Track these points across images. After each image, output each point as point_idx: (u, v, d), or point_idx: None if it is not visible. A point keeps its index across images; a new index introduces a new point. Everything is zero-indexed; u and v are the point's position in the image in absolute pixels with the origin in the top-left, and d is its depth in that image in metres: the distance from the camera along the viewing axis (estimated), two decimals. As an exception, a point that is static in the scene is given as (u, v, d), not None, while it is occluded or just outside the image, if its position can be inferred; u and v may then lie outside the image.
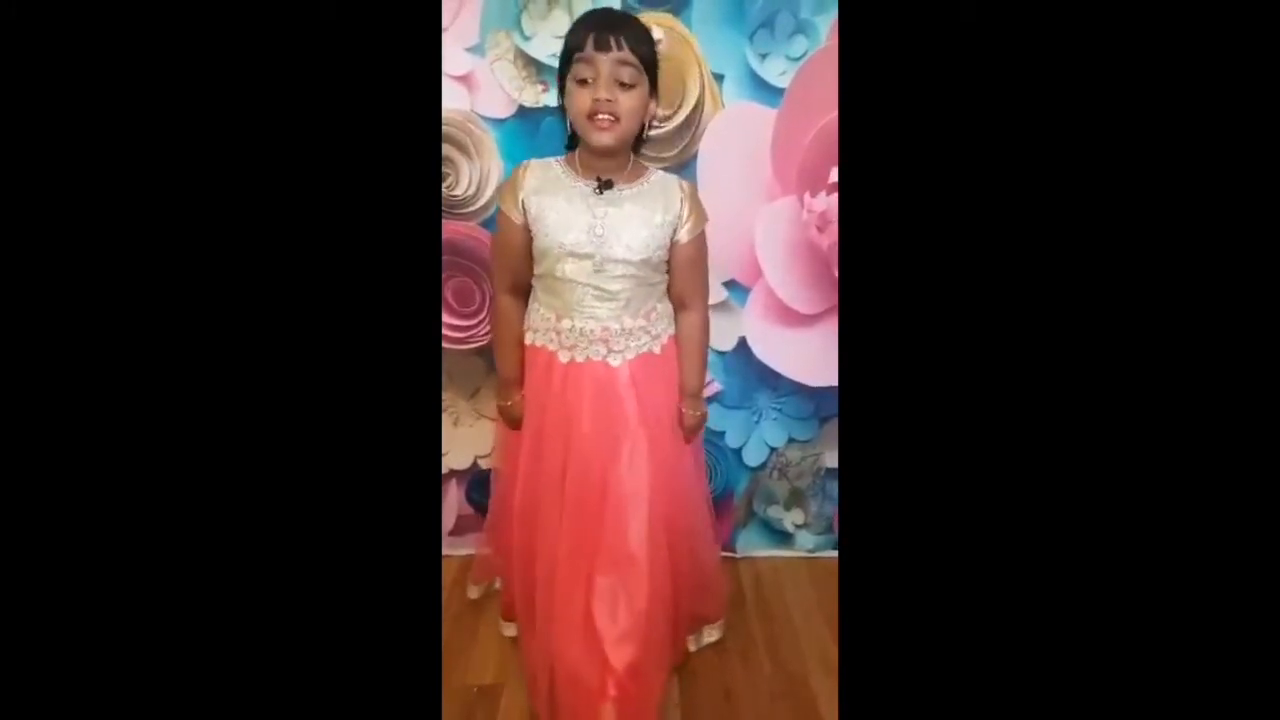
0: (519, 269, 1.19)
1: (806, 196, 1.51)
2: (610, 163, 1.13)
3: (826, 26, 1.43)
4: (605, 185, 1.12)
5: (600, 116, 1.05)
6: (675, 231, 1.15)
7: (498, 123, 1.47)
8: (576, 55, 1.05)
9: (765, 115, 1.47)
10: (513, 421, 1.28)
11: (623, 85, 1.04)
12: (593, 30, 1.04)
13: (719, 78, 1.46)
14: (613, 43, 1.03)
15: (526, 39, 1.42)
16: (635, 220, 1.12)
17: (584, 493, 1.15)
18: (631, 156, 1.16)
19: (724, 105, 1.47)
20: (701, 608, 1.43)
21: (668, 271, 1.19)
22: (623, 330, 1.15)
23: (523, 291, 1.22)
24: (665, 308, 1.21)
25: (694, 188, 1.19)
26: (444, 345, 1.59)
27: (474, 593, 1.59)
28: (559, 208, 1.12)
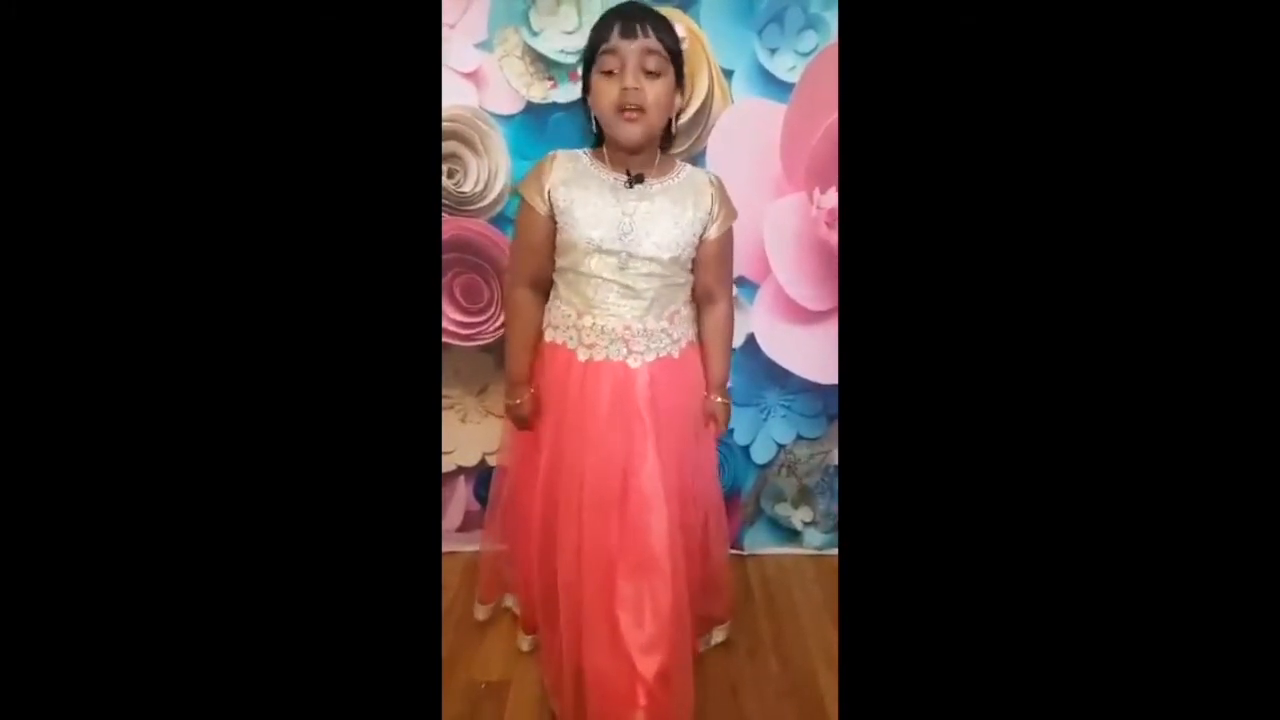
0: (540, 262, 1.17)
1: (816, 193, 1.50)
2: (640, 157, 1.11)
3: (836, 21, 1.42)
4: (636, 179, 1.10)
5: (628, 108, 1.04)
6: (705, 229, 1.14)
7: (506, 119, 1.47)
8: (602, 47, 1.04)
9: (775, 111, 1.46)
10: (520, 421, 1.26)
11: (649, 74, 1.04)
12: (618, 20, 1.04)
13: (728, 73, 1.45)
14: (639, 30, 1.02)
15: (535, 35, 1.42)
16: (666, 217, 1.11)
17: (603, 495, 1.14)
18: (659, 151, 1.14)
19: (733, 101, 1.46)
20: (711, 608, 1.42)
21: (692, 270, 1.17)
22: (644, 331, 1.13)
23: (541, 287, 1.20)
24: (688, 311, 1.20)
25: (722, 183, 1.17)
26: (451, 342, 1.59)
27: (481, 614, 1.51)
28: (589, 201, 1.10)
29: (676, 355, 1.18)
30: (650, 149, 1.12)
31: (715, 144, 1.47)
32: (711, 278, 1.19)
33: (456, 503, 1.73)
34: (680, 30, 1.10)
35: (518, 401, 1.24)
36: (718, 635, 1.48)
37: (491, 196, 1.50)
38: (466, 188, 1.49)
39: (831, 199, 1.50)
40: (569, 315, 1.15)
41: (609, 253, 1.10)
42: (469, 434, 1.69)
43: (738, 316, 1.56)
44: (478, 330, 1.59)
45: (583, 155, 1.14)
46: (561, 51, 1.42)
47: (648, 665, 1.11)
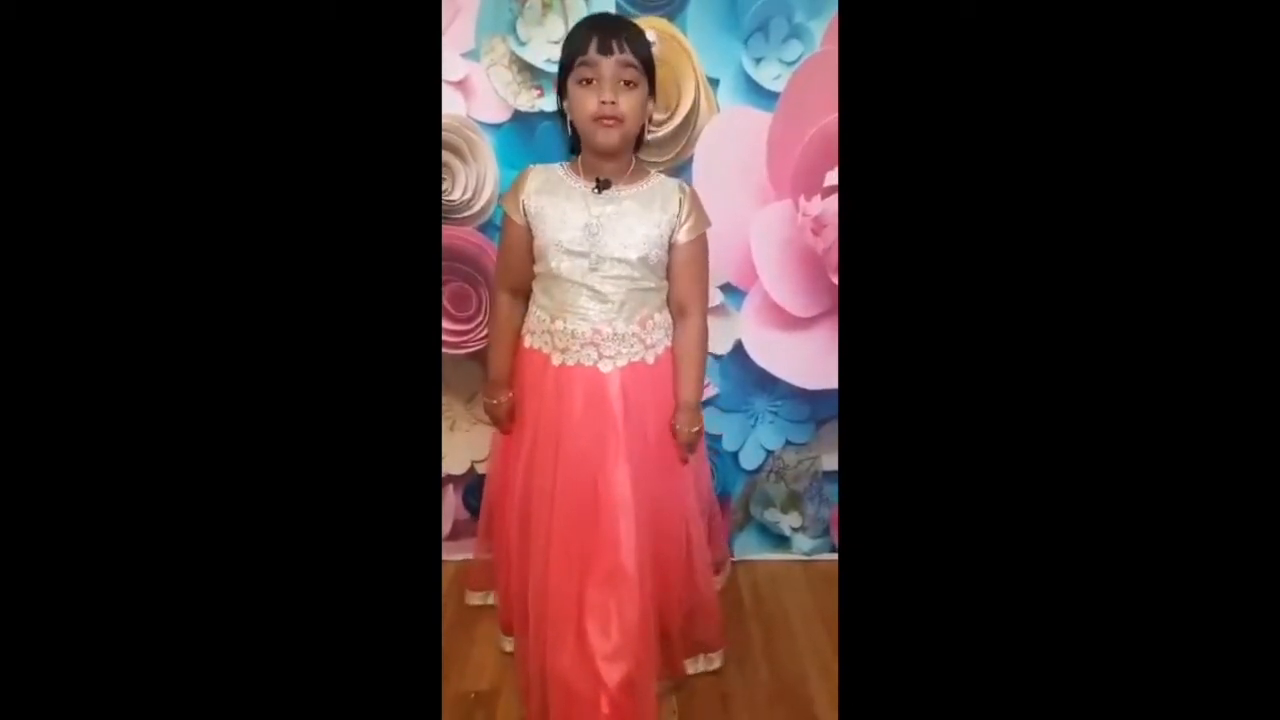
0: (520, 269, 1.21)
1: (801, 200, 1.52)
2: (612, 165, 1.14)
3: (821, 31, 1.44)
4: (604, 185, 1.14)
5: (605, 118, 1.07)
6: (674, 232, 1.16)
7: (494, 128, 1.48)
8: (579, 59, 1.07)
9: (760, 119, 1.47)
10: (498, 421, 1.30)
11: (626, 84, 1.07)
12: (595, 34, 1.06)
13: (714, 82, 1.46)
14: (615, 46, 1.06)
15: (522, 44, 1.43)
16: (632, 218, 1.13)
17: (574, 500, 1.15)
18: (633, 159, 1.17)
19: (719, 109, 1.47)
20: (698, 632, 1.39)
21: (667, 277, 1.19)
22: (614, 335, 1.15)
23: (522, 293, 1.24)
24: (663, 319, 1.21)
25: (694, 191, 1.19)
26: (440, 350, 1.59)
27: (473, 599, 1.58)
28: (559, 206, 1.14)
29: (651, 361, 1.19)
30: (624, 155, 1.15)
31: (701, 152, 1.48)
32: (684, 289, 1.20)
33: (445, 511, 1.73)
34: (651, 35, 1.12)
35: (495, 402, 1.28)
36: (703, 663, 1.41)
37: (479, 205, 1.51)
38: (455, 196, 1.50)
39: (817, 206, 1.51)
40: (544, 320, 1.18)
41: (578, 254, 1.13)
42: (458, 442, 1.68)
43: (726, 323, 1.58)
44: (466, 338, 1.59)
45: (557, 167, 1.19)
46: (548, 60, 1.42)
47: (612, 674, 1.12)
